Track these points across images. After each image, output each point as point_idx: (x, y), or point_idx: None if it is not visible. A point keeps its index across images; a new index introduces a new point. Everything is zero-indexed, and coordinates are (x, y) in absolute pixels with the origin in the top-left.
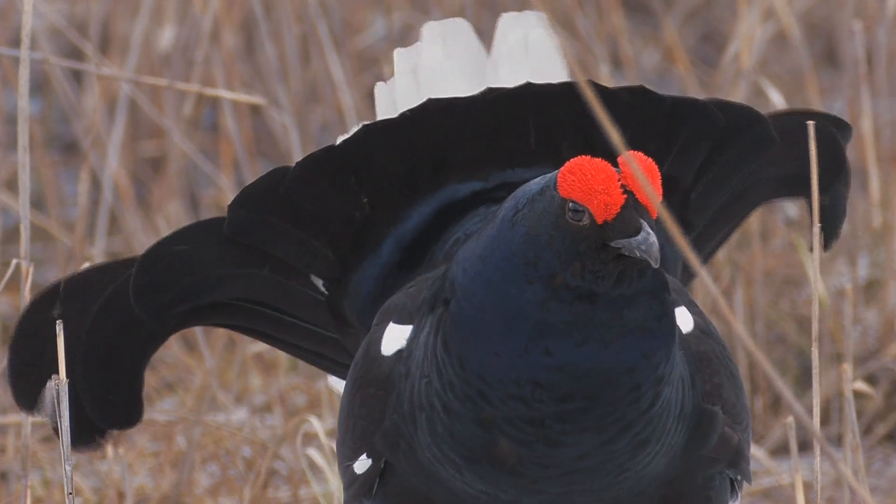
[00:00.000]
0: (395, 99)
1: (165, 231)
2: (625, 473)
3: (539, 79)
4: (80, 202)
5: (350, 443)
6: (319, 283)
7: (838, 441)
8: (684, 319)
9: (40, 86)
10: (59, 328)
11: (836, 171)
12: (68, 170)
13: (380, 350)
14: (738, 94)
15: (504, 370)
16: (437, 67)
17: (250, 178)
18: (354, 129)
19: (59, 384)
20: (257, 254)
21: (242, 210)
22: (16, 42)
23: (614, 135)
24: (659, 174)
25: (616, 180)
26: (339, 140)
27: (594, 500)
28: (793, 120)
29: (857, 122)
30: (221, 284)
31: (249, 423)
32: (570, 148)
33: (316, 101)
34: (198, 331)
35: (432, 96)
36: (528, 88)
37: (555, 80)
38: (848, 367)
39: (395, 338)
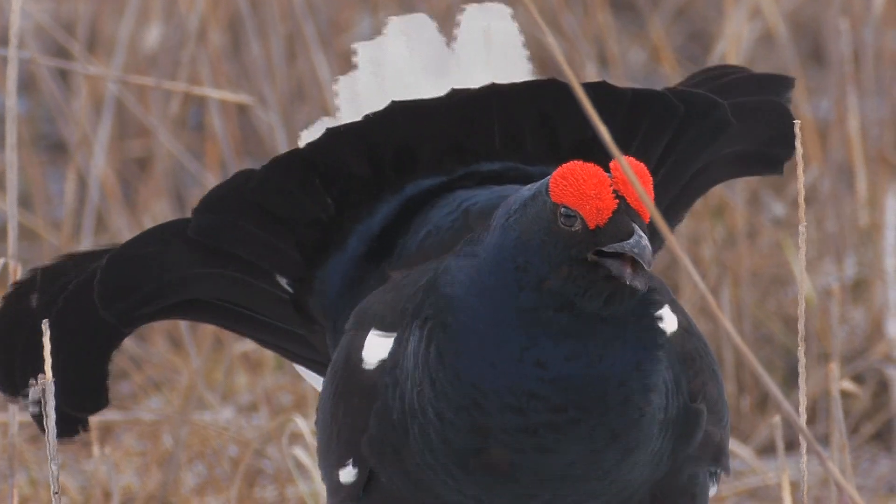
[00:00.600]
0: (357, 93)
1: None
2: (608, 478)
3: (501, 72)
4: (66, 201)
5: (335, 451)
6: (284, 282)
7: (825, 441)
8: (669, 320)
9: (27, 85)
10: (45, 327)
11: (790, 143)
12: (55, 169)
13: (361, 360)
14: None
15: (499, 380)
16: (399, 62)
17: None
18: (318, 132)
19: (44, 384)
20: (221, 254)
21: (208, 213)
22: (3, 41)
23: (600, 126)
24: (651, 178)
25: (608, 185)
26: (303, 143)
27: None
28: (743, 99)
29: (844, 121)
30: (186, 285)
31: (236, 423)
32: (535, 145)
33: (302, 101)
34: (184, 330)
35: (394, 91)
36: (492, 89)
37: (518, 79)
38: (835, 367)
39: (376, 348)
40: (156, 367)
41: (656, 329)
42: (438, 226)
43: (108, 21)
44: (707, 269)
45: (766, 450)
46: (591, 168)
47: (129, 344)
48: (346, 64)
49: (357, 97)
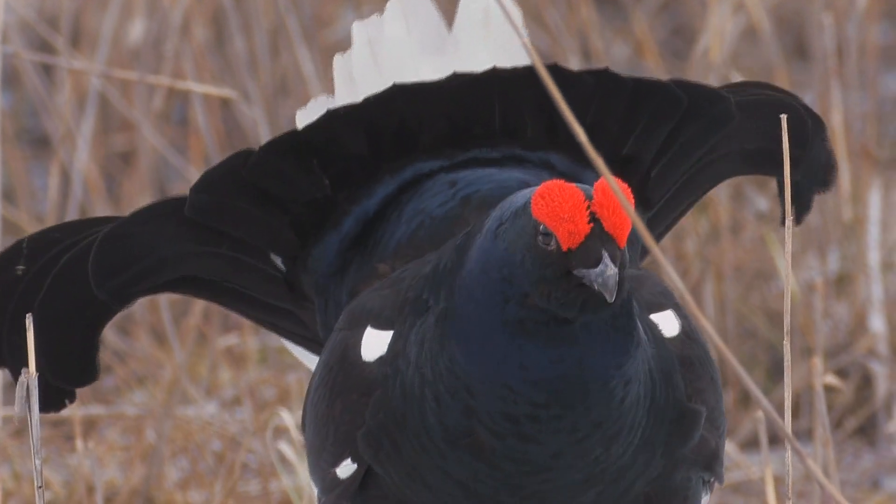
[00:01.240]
0: (352, 71)
1: None
2: (600, 466)
3: (501, 52)
4: (50, 196)
5: (332, 448)
6: (278, 260)
7: (809, 435)
8: (670, 323)
9: (11, 80)
10: (29, 321)
11: (802, 145)
12: (39, 163)
13: (360, 355)
14: None
15: (486, 374)
16: (396, 41)
17: None
18: (316, 112)
19: (29, 378)
20: (217, 233)
21: (204, 192)
22: None
23: (575, 124)
24: (633, 202)
25: (584, 208)
26: (300, 123)
27: (576, 497)
28: (750, 94)
29: (827, 115)
30: (179, 263)
31: (219, 417)
32: (536, 130)
33: (286, 95)
34: (168, 324)
35: (391, 70)
36: (494, 73)
37: (518, 60)
38: (818, 361)
39: (375, 343)
40: (139, 361)
41: (636, 329)
42: (432, 216)
43: (92, 15)
44: (690, 263)
45: (750, 444)
46: (570, 189)
47: (112, 338)
48: (329, 58)
49: (352, 76)
